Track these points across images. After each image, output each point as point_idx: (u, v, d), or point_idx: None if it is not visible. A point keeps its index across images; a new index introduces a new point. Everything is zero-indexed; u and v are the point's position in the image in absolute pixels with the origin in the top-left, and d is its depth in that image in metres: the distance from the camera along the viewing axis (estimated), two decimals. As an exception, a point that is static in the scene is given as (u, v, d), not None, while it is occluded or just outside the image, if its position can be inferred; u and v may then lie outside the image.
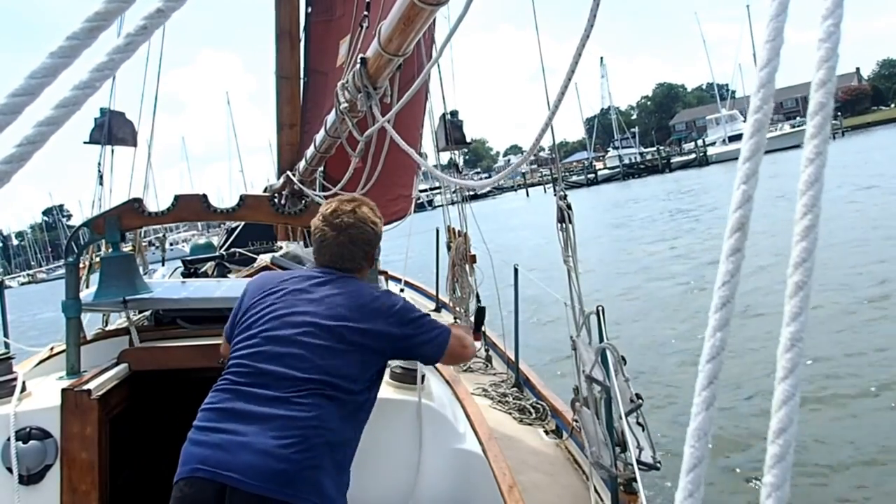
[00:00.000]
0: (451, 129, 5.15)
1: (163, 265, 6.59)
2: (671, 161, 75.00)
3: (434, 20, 1.94)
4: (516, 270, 5.35)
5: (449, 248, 6.66)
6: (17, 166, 0.48)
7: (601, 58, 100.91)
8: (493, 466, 2.56)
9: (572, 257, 3.07)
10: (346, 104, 2.35)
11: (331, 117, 2.94)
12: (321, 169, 5.30)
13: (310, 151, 3.85)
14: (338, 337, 2.22)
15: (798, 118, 78.90)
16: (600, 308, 3.16)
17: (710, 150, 71.05)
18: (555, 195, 3.16)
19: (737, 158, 0.52)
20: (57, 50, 0.49)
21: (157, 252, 11.56)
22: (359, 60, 2.01)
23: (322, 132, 3.22)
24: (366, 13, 2.75)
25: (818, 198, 0.48)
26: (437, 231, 7.59)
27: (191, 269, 4.81)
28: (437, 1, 1.45)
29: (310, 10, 5.89)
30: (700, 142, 76.15)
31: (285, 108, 5.62)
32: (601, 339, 3.04)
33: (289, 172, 4.52)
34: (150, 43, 6.09)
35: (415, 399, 2.66)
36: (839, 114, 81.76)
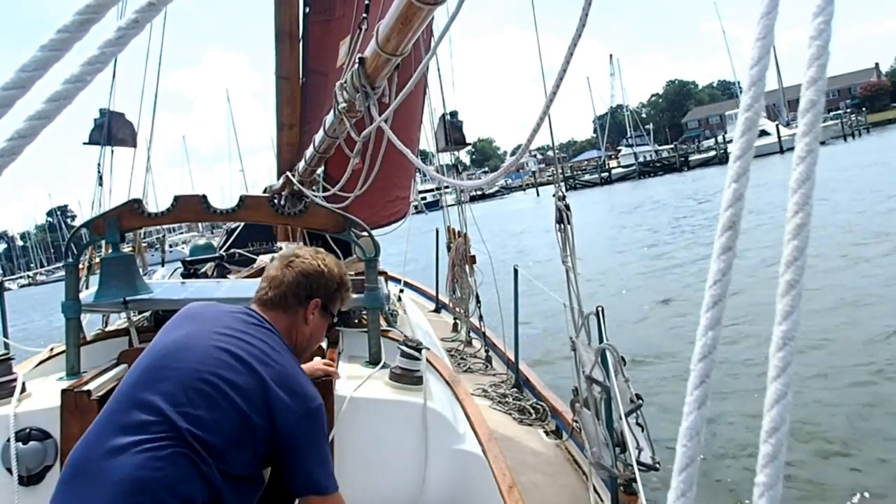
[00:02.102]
0: (451, 130, 5.16)
1: (162, 266, 6.59)
2: (689, 159, 71.86)
3: (432, 21, 1.94)
4: (516, 271, 5.35)
5: (449, 248, 6.67)
6: (8, 160, 0.48)
7: (611, 55, 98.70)
8: (492, 467, 2.56)
9: (571, 258, 3.07)
10: (344, 104, 2.36)
11: (329, 117, 2.94)
12: (321, 170, 5.30)
13: (309, 152, 3.85)
14: (222, 394, 1.88)
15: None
16: (600, 309, 3.16)
17: (731, 148, 69.90)
18: (553, 195, 3.16)
19: (760, 155, 0.50)
20: (48, 43, 0.49)
21: (156, 254, 11.56)
22: (357, 60, 2.01)
23: (321, 132, 3.22)
24: (365, 15, 2.74)
25: (809, 196, 0.48)
26: (437, 232, 7.60)
27: (190, 270, 4.81)
28: (434, 0, 1.46)
29: (307, 10, 5.89)
30: (720, 138, 72.53)
31: (285, 108, 5.61)
32: (601, 340, 3.05)
33: (288, 173, 4.51)
34: (150, 42, 6.10)
35: (415, 400, 2.65)
36: (864, 109, 79.00)
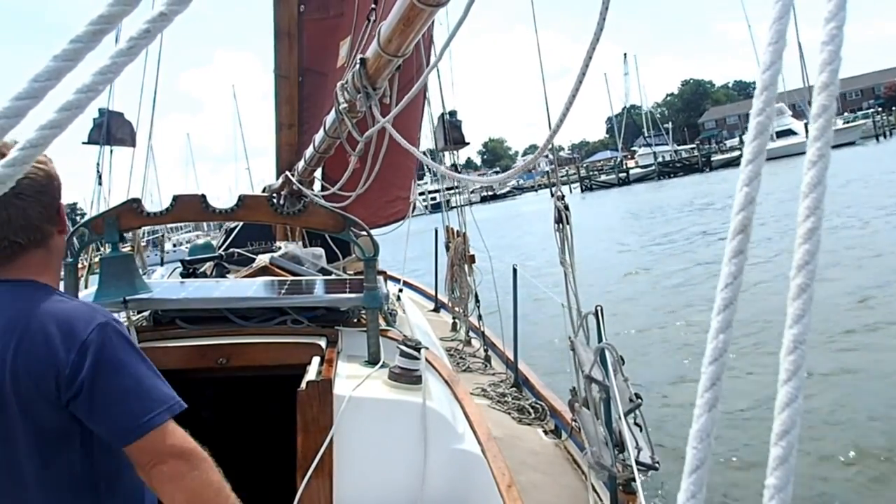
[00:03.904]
0: (450, 129, 5.16)
1: (161, 265, 6.59)
2: (712, 159, 69.15)
3: (433, 21, 1.94)
4: (515, 271, 5.36)
5: (448, 248, 6.68)
6: (19, 170, 0.48)
7: (625, 54, 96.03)
8: (491, 466, 2.56)
9: (569, 258, 3.08)
10: (345, 104, 2.36)
11: (330, 117, 2.94)
12: (320, 169, 5.30)
13: (309, 152, 3.86)
14: None
15: (846, 113, 74.05)
16: (599, 308, 3.17)
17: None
18: (552, 196, 3.17)
19: (786, 156, 0.50)
20: (61, 53, 0.50)
21: (156, 256, 11.53)
22: (358, 61, 2.01)
23: (321, 132, 3.22)
24: (374, 6, 2.73)
25: (821, 200, 0.48)
26: (437, 231, 7.59)
27: (189, 270, 4.80)
28: (436, 2, 1.46)
29: (302, 8, 5.89)
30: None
31: (284, 108, 5.62)
32: (600, 340, 3.05)
33: (287, 173, 4.52)
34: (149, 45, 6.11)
35: (414, 400, 2.65)
36: (894, 109, 77.17)
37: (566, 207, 3.09)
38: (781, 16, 0.46)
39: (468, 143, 5.97)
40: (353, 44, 3.06)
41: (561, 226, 3.07)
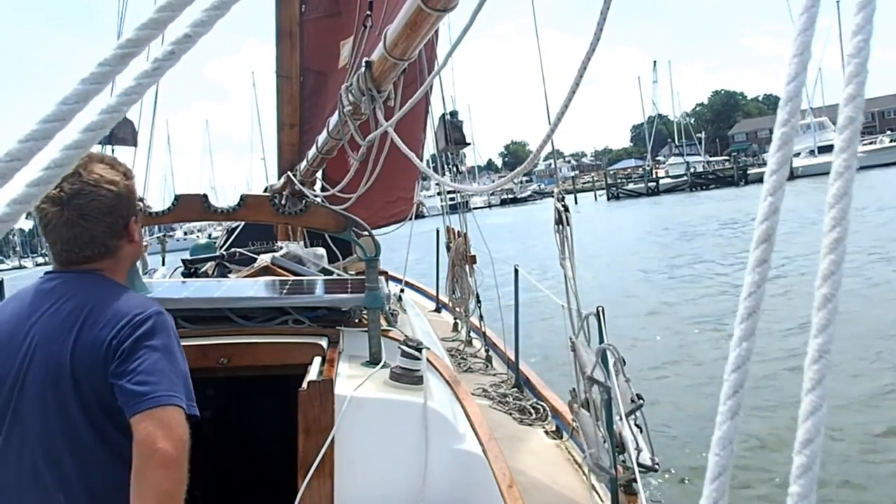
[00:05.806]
0: (451, 130, 5.15)
1: (163, 265, 6.58)
2: (748, 172, 64.14)
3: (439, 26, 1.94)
4: (516, 271, 5.36)
5: (448, 248, 6.67)
6: (43, 189, 0.49)
7: (654, 62, 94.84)
8: (492, 466, 2.56)
9: (569, 259, 3.08)
10: (349, 107, 2.35)
11: (334, 119, 2.94)
12: (322, 170, 5.30)
13: (311, 152, 3.85)
14: (58, 375, 1.67)
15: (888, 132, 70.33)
16: (600, 309, 3.17)
17: (797, 162, 57.58)
18: (553, 196, 3.18)
19: (829, 172, 0.49)
20: (89, 76, 0.51)
21: (173, 243, 11.42)
22: (364, 64, 2.01)
23: (324, 133, 3.22)
24: (369, 13, 2.74)
25: (847, 211, 0.48)
26: (437, 231, 7.57)
27: (191, 270, 4.80)
28: (443, 7, 1.46)
29: (304, 8, 5.89)
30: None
31: (285, 107, 5.63)
32: (601, 340, 3.05)
33: (289, 173, 4.52)
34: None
35: (415, 400, 2.65)
36: None
37: (566, 209, 3.10)
38: (807, 27, 0.46)
39: (469, 144, 5.96)
40: (355, 44, 3.05)
41: (561, 227, 3.08)
